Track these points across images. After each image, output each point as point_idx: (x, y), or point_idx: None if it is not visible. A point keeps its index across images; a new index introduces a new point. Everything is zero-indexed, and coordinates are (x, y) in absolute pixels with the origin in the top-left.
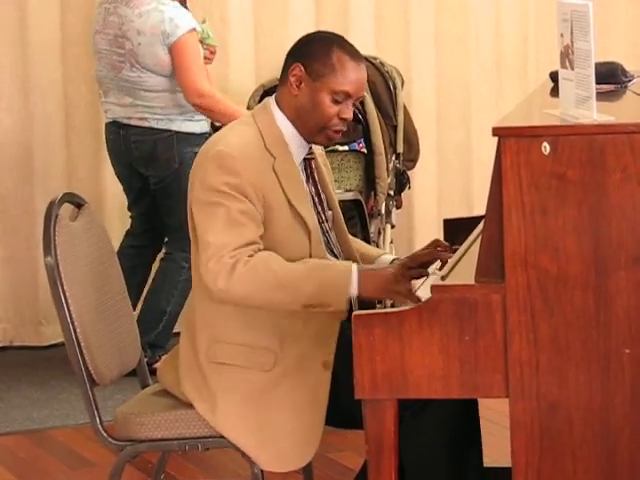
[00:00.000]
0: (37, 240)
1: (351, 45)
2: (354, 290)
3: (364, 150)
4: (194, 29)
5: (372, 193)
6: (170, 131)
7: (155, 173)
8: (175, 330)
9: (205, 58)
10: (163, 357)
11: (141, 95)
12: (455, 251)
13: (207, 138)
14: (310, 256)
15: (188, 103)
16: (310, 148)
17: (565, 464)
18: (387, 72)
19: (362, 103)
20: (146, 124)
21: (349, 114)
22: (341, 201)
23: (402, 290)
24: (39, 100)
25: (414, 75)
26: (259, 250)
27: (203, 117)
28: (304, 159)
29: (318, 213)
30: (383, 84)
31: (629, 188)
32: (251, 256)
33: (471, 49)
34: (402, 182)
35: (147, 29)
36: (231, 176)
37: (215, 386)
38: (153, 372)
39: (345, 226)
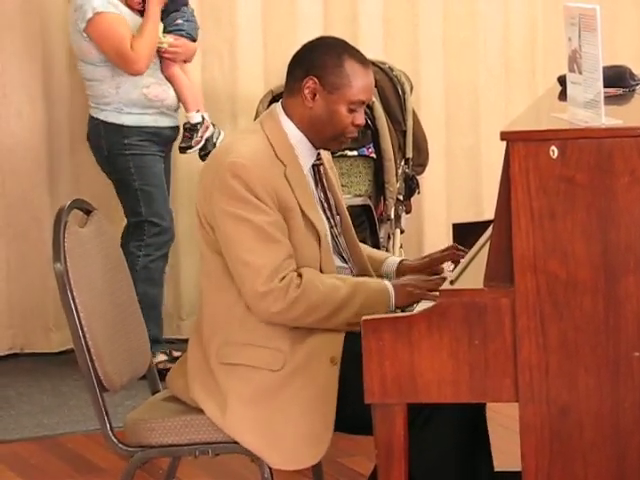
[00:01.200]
0: (46, 246)
1: (358, 50)
2: (392, 305)
3: (373, 155)
4: (101, 12)
5: (381, 198)
6: (97, 120)
7: (96, 159)
8: (184, 337)
9: (166, 52)
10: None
11: (85, 84)
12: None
13: (153, 133)
14: (320, 261)
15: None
16: (318, 154)
17: (575, 468)
18: (396, 77)
19: (371, 108)
20: (89, 111)
21: (362, 120)
22: (350, 206)
23: (434, 281)
24: (48, 107)
25: (423, 79)
26: (294, 263)
27: (139, 110)
28: (313, 165)
29: (327, 218)
30: (392, 89)
31: (637, 191)
32: (299, 276)
33: (479, 53)
34: (411, 187)
35: (69, 19)
36: (249, 185)
37: (225, 386)
38: (162, 377)
39: (353, 231)
